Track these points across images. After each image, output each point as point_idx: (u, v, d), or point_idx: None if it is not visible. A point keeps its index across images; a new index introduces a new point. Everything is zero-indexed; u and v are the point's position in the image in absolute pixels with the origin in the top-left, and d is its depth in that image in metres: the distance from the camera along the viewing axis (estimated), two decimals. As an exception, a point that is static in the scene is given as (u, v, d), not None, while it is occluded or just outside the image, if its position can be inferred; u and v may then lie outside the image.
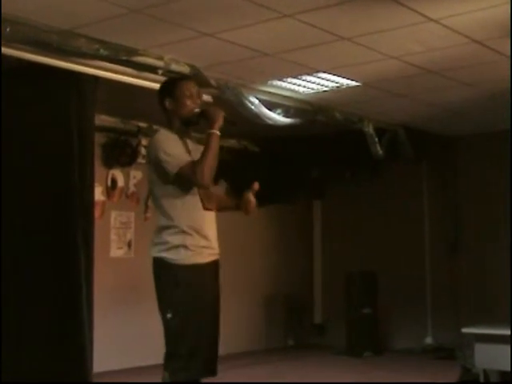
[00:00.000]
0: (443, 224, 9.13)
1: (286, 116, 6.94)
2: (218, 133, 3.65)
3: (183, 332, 3.59)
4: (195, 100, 3.77)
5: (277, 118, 6.82)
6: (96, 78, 5.45)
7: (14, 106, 5.49)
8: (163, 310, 3.65)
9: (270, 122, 6.71)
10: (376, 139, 7.80)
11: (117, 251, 8.02)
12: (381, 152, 7.85)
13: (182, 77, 3.83)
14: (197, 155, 3.66)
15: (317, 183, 9.92)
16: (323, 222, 10.29)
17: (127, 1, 4.46)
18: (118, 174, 8.03)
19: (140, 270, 8.15)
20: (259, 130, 7.72)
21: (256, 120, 6.57)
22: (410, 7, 4.61)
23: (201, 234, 3.68)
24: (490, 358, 6.30)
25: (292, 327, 9.91)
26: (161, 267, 3.70)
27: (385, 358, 8.69)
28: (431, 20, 4.86)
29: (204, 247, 3.69)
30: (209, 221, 3.75)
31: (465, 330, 6.60)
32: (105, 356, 6.86)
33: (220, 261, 3.85)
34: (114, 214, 8.00)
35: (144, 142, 7.87)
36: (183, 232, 3.63)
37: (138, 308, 8.00)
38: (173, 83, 3.86)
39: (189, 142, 3.77)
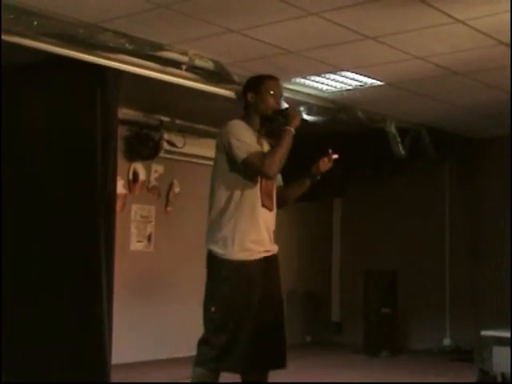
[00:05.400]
0: (465, 226, 9.09)
1: (308, 114, 6.94)
2: (292, 130, 3.75)
3: (223, 325, 3.62)
4: (277, 99, 3.86)
5: (299, 115, 6.81)
6: (120, 72, 5.48)
7: (39, 98, 5.55)
8: (207, 301, 3.71)
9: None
10: (398, 139, 7.77)
11: (136, 244, 8.05)
12: (403, 152, 7.81)
13: (269, 75, 3.98)
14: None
15: (338, 181, 9.89)
16: (343, 220, 10.27)
17: (153, -4, 4.48)
18: (140, 168, 8.05)
19: (159, 263, 8.21)
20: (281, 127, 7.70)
21: (278, 117, 6.56)
22: (436, 7, 4.58)
23: (253, 229, 3.69)
24: (507, 361, 6.26)
25: (310, 324, 9.91)
26: (209, 260, 3.75)
27: (402, 359, 8.66)
28: (458, 21, 4.83)
29: (253, 242, 3.69)
30: (264, 219, 3.76)
31: (484, 333, 6.57)
32: (123, 348, 6.90)
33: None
34: (134, 208, 8.04)
35: (166, 136, 7.89)
36: (235, 224, 3.66)
37: (156, 301, 8.05)
38: (259, 79, 3.93)
39: (262, 138, 3.84)
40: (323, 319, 10.07)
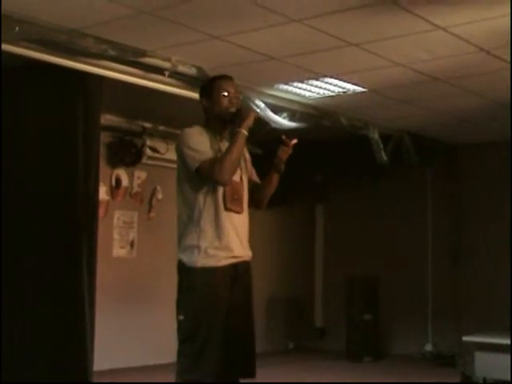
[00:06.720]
0: (446, 231, 9.13)
1: (291, 120, 6.94)
2: (244, 132, 3.61)
3: (192, 333, 3.54)
4: (232, 99, 3.71)
5: (282, 121, 6.82)
6: (103, 78, 5.47)
7: (21, 104, 5.51)
8: (177, 311, 3.63)
9: (275, 125, 6.72)
10: (381, 145, 7.79)
11: (119, 251, 8.03)
12: (385, 158, 7.84)
13: (220, 75, 3.84)
14: None
15: (320, 187, 9.90)
16: (325, 226, 10.28)
17: (136, 2, 4.46)
18: (123, 174, 8.04)
19: (142, 269, 8.19)
20: (263, 133, 7.71)
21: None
22: (418, 15, 4.61)
23: (219, 235, 3.58)
24: (489, 366, 6.32)
25: (292, 330, 9.90)
26: (178, 269, 3.66)
27: (384, 364, 8.68)
28: (439, 28, 4.86)
29: (218, 249, 3.59)
30: (233, 223, 3.64)
31: (465, 338, 6.61)
32: (105, 354, 6.87)
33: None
34: (117, 214, 8.01)
35: (149, 142, 7.88)
36: (199, 232, 3.56)
37: (139, 307, 8.02)
38: (209, 81, 3.81)
39: (222, 141, 3.70)
40: (306, 325, 10.06)
